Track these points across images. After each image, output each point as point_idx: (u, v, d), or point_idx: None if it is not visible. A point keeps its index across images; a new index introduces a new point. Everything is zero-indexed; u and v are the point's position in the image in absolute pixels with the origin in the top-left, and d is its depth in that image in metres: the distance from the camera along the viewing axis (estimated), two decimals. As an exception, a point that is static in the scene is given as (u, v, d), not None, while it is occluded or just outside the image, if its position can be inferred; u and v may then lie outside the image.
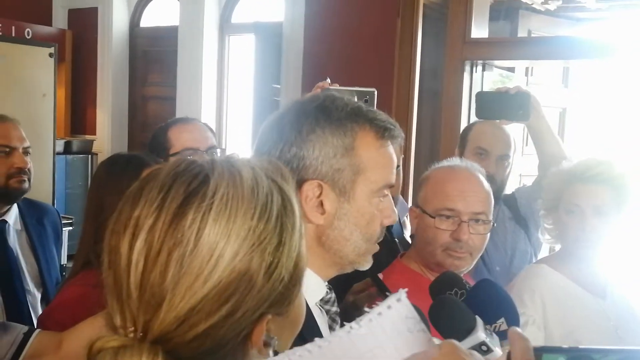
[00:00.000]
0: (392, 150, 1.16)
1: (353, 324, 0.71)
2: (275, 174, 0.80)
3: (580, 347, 0.72)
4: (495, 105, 2.36)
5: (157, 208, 0.73)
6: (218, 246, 0.71)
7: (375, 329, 0.70)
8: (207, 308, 0.71)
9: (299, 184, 1.08)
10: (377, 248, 1.17)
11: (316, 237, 1.12)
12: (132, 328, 0.72)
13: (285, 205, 0.78)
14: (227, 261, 0.71)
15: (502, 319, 0.95)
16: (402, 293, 0.71)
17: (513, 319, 0.96)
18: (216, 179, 0.74)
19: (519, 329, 0.75)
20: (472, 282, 1.76)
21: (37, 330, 1.46)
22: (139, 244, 0.72)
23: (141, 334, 0.71)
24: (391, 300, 0.71)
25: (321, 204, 1.10)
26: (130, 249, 0.72)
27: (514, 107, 2.32)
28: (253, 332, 0.75)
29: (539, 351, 0.71)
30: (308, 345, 0.70)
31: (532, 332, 1.73)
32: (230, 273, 0.71)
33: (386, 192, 1.15)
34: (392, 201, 1.18)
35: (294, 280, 0.78)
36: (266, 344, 0.76)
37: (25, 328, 1.45)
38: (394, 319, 0.70)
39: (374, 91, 1.74)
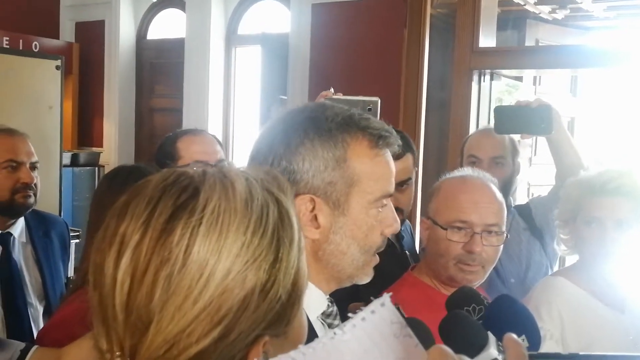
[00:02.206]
0: (388, 158, 1.12)
1: (337, 330, 0.67)
2: (271, 184, 0.76)
3: (580, 354, 0.70)
4: (516, 120, 2.32)
5: (144, 223, 0.69)
6: (209, 264, 0.67)
7: (359, 335, 0.67)
8: (197, 330, 0.67)
9: None
10: (376, 260, 1.13)
11: (312, 252, 1.09)
12: (119, 352, 0.68)
13: (282, 218, 0.73)
14: (219, 280, 0.67)
15: (523, 337, 0.91)
16: (386, 297, 0.68)
17: (534, 337, 0.92)
18: (207, 192, 0.70)
19: (514, 335, 0.72)
20: (483, 294, 1.74)
21: (35, 347, 1.43)
22: (125, 262, 0.68)
23: (128, 359, 0.68)
24: (375, 305, 0.68)
25: (315, 218, 1.07)
26: (115, 268, 0.69)
27: (536, 121, 2.28)
28: (248, 356, 0.71)
29: (533, 358, 0.69)
30: (292, 353, 0.66)
31: (550, 346, 1.69)
32: (222, 292, 0.67)
33: (385, 201, 1.11)
34: (393, 209, 1.14)
35: (293, 299, 0.73)
36: None
37: (22, 345, 1.43)
38: (378, 324, 0.67)
39: (377, 100, 1.71)
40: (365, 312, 0.67)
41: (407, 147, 2.15)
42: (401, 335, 0.67)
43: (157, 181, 0.73)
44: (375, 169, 1.09)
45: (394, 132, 1.13)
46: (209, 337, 0.67)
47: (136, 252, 0.68)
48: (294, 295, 0.74)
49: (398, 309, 1.11)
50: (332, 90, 1.90)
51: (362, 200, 1.08)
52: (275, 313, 0.71)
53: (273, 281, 0.70)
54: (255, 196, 0.72)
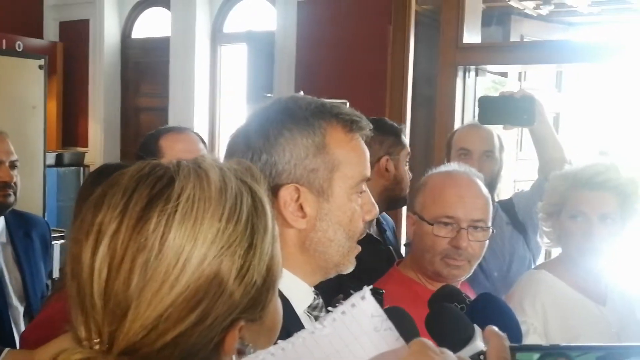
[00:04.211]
0: (362, 143, 1.14)
1: (316, 324, 0.68)
2: (245, 174, 0.78)
3: (561, 345, 0.70)
4: (499, 110, 2.32)
5: (120, 213, 0.70)
6: (184, 250, 0.69)
7: (340, 329, 0.67)
8: (175, 315, 0.68)
9: (275, 190, 1.06)
10: (358, 248, 1.14)
11: (299, 243, 1.10)
12: (98, 340, 0.69)
13: (256, 206, 0.75)
14: (195, 265, 0.69)
15: (504, 335, 0.92)
16: (367, 291, 0.68)
17: (515, 334, 0.92)
18: (182, 181, 0.72)
19: (495, 328, 0.73)
20: (467, 288, 1.75)
21: (6, 350, 1.44)
22: (102, 250, 0.69)
23: (107, 346, 0.68)
24: (355, 298, 0.68)
25: (301, 207, 1.08)
26: (92, 257, 0.70)
27: (519, 112, 2.28)
28: (225, 340, 0.72)
29: (513, 350, 0.70)
30: (271, 349, 0.68)
31: (534, 340, 1.69)
32: (199, 278, 0.69)
33: (364, 187, 1.13)
34: (371, 195, 1.16)
35: (268, 284, 0.75)
36: (240, 352, 0.73)
37: None
38: (358, 318, 0.67)
39: (345, 103, 1.74)
40: (346, 306, 0.67)
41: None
42: (382, 328, 0.67)
43: (133, 172, 0.74)
44: (352, 154, 1.11)
45: (364, 117, 1.15)
46: (186, 322, 0.68)
47: (113, 240, 0.69)
48: (269, 281, 0.75)
49: (381, 294, 1.11)
50: (302, 93, 1.93)
51: (344, 185, 1.09)
52: (251, 298, 0.72)
53: (248, 267, 0.72)
54: (229, 185, 0.74)
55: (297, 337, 0.67)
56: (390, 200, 2.35)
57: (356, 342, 0.67)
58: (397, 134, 2.38)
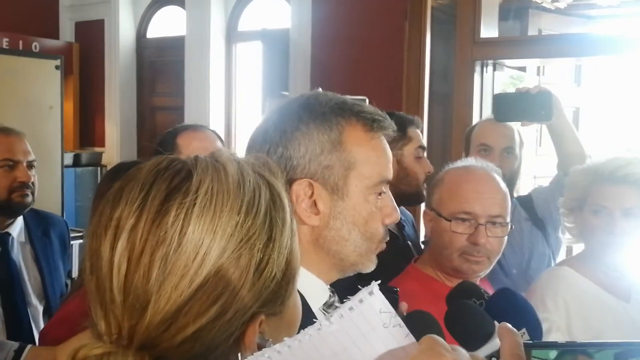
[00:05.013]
0: (384, 143, 1.12)
1: (323, 320, 0.66)
2: (262, 168, 0.77)
3: (578, 341, 0.68)
4: (516, 107, 2.29)
5: (139, 207, 0.70)
6: (204, 243, 0.68)
7: (347, 325, 0.65)
8: (195, 309, 0.67)
9: (289, 184, 1.04)
10: (382, 247, 1.13)
11: (313, 240, 1.09)
12: (117, 334, 0.68)
13: (274, 200, 0.75)
14: (214, 259, 0.68)
15: (524, 330, 0.89)
16: (375, 286, 0.65)
17: (535, 330, 0.91)
18: (199, 175, 0.71)
19: (509, 325, 0.71)
20: (486, 285, 1.72)
21: (29, 346, 1.46)
22: (121, 245, 0.69)
23: (127, 340, 0.68)
24: (363, 293, 0.65)
25: (314, 204, 1.06)
26: (111, 252, 0.69)
27: (536, 108, 2.25)
28: (245, 334, 0.72)
29: (529, 347, 0.68)
30: (277, 346, 0.66)
31: (557, 338, 1.67)
32: (218, 271, 0.68)
33: (384, 188, 1.11)
34: (392, 198, 1.13)
35: (287, 277, 0.75)
36: (260, 347, 0.72)
37: (15, 345, 1.46)
38: (366, 314, 0.65)
39: (364, 100, 1.72)
40: (353, 302, 0.65)
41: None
42: (391, 325, 0.65)
43: (150, 167, 0.74)
44: (371, 153, 1.09)
45: (388, 117, 1.13)
46: (206, 316, 0.68)
47: (132, 235, 0.69)
48: (288, 275, 0.75)
49: (396, 292, 1.09)
50: (320, 89, 1.92)
51: (361, 184, 1.08)
52: (271, 291, 0.72)
53: (267, 260, 0.71)
54: (247, 178, 0.73)
55: (304, 334, 0.66)
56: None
57: (364, 338, 0.65)
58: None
